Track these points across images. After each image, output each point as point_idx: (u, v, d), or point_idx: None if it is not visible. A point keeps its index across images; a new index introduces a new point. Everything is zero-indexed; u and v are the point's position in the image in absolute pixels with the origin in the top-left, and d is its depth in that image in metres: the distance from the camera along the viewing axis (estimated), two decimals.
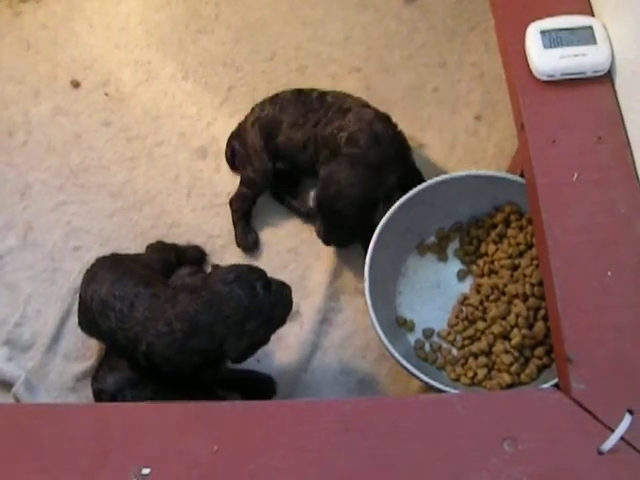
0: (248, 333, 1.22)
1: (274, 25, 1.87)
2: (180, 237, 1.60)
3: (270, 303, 1.24)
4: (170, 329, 1.23)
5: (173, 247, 1.55)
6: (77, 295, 1.46)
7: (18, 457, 1.00)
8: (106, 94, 1.80)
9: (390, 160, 1.47)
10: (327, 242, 1.52)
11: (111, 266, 1.39)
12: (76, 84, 1.81)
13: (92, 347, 1.49)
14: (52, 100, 1.80)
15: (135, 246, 1.60)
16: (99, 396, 1.34)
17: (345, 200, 1.43)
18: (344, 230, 1.48)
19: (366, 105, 1.56)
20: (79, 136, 1.75)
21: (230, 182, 1.64)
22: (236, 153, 1.64)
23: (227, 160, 1.68)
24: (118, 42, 1.87)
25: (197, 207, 1.65)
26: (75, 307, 1.52)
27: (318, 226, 1.52)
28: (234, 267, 1.27)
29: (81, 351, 1.49)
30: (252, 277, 1.24)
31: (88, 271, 1.40)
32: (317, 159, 1.54)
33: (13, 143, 1.75)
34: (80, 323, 1.41)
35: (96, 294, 1.32)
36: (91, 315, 1.33)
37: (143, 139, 1.73)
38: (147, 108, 1.77)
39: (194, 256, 1.56)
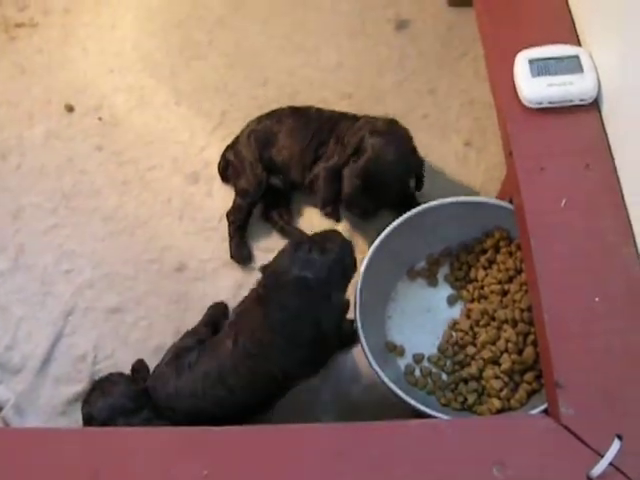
0: (334, 304, 1.26)
1: (267, 51, 1.89)
2: (172, 260, 1.61)
3: (335, 260, 1.25)
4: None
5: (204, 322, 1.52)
6: (69, 318, 1.47)
7: None
8: (99, 118, 1.81)
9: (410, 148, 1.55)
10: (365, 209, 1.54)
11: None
12: (70, 108, 1.82)
13: (83, 371, 1.49)
14: (46, 124, 1.81)
15: (126, 269, 1.60)
16: (89, 420, 1.33)
17: (392, 172, 1.50)
18: (382, 199, 1.53)
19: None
20: (72, 160, 1.76)
21: (222, 206, 1.65)
22: (230, 164, 1.66)
23: (219, 171, 1.70)
24: (112, 67, 1.89)
25: (189, 231, 1.65)
26: (66, 330, 1.52)
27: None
28: (281, 256, 1.26)
29: (71, 375, 1.49)
30: (304, 251, 1.24)
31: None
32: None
33: (6, 166, 1.76)
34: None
35: (213, 373, 1.30)
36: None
37: (136, 163, 1.74)
38: (140, 133, 1.79)
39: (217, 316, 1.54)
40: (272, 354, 1.25)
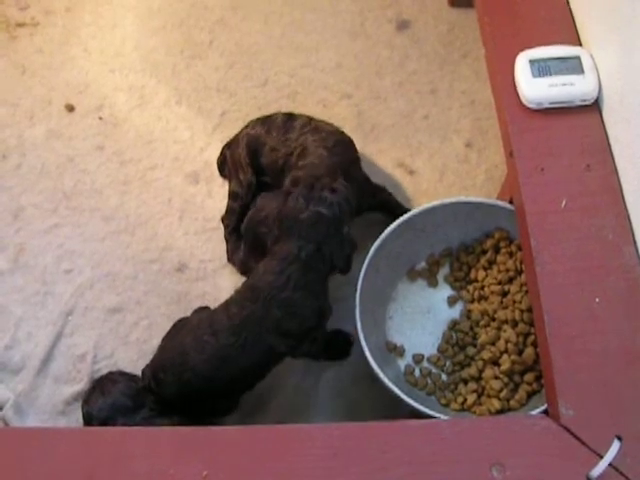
0: (345, 239, 1.31)
1: (267, 51, 1.89)
2: (172, 260, 1.61)
3: (345, 201, 1.33)
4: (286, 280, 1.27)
5: None
6: (69, 318, 1.47)
7: None
8: (100, 118, 1.81)
9: None
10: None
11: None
12: (70, 108, 1.83)
13: (82, 370, 1.49)
14: (46, 123, 1.81)
15: (127, 269, 1.60)
16: (89, 420, 1.33)
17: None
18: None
19: (329, 146, 1.52)
20: (72, 159, 1.76)
21: (222, 207, 1.65)
22: (226, 162, 1.66)
23: (218, 166, 1.70)
24: (113, 67, 1.89)
25: (189, 231, 1.65)
26: (66, 330, 1.52)
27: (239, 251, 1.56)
28: (299, 192, 1.32)
29: (71, 374, 1.49)
30: (317, 190, 1.32)
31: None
32: None
33: (7, 166, 1.76)
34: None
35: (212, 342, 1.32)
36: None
37: (136, 163, 1.74)
38: (141, 132, 1.79)
39: None
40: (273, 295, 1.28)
